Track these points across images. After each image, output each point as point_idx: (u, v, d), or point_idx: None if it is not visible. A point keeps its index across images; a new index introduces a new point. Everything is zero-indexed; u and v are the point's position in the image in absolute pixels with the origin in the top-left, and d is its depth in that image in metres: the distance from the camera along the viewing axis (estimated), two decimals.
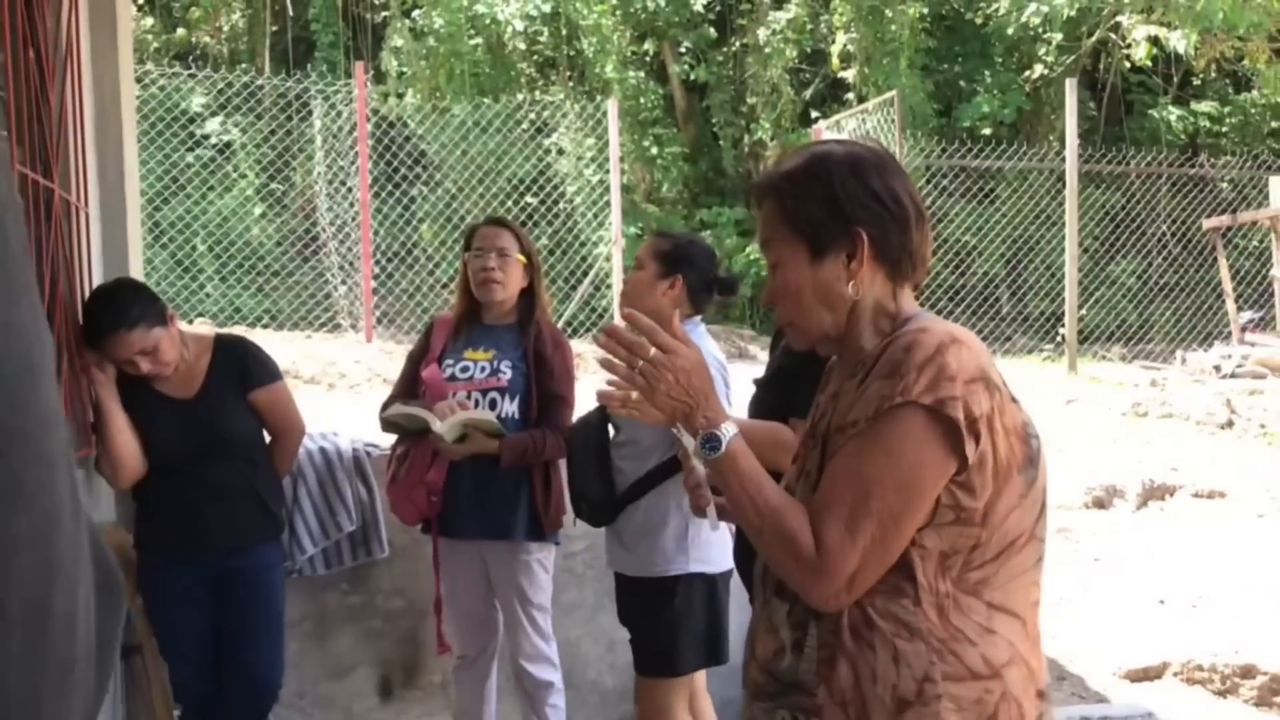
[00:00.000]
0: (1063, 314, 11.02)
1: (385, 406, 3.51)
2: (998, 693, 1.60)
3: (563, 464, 3.46)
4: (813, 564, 1.56)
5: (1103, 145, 13.37)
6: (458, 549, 3.49)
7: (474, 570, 3.51)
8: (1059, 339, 11.53)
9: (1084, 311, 11.79)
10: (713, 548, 3.08)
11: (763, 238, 1.75)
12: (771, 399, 2.69)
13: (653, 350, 1.65)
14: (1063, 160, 11.22)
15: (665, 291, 3.16)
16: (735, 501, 1.63)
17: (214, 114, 12.01)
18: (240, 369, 3.37)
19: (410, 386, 3.54)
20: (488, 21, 13.41)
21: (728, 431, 1.64)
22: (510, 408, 3.41)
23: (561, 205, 12.21)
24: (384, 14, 14.41)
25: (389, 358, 9.19)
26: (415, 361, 3.59)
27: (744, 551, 2.84)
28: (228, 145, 12.06)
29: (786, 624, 1.67)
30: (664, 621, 3.12)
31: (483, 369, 3.45)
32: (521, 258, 3.49)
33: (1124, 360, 11.85)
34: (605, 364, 1.69)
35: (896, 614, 1.58)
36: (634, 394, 2.50)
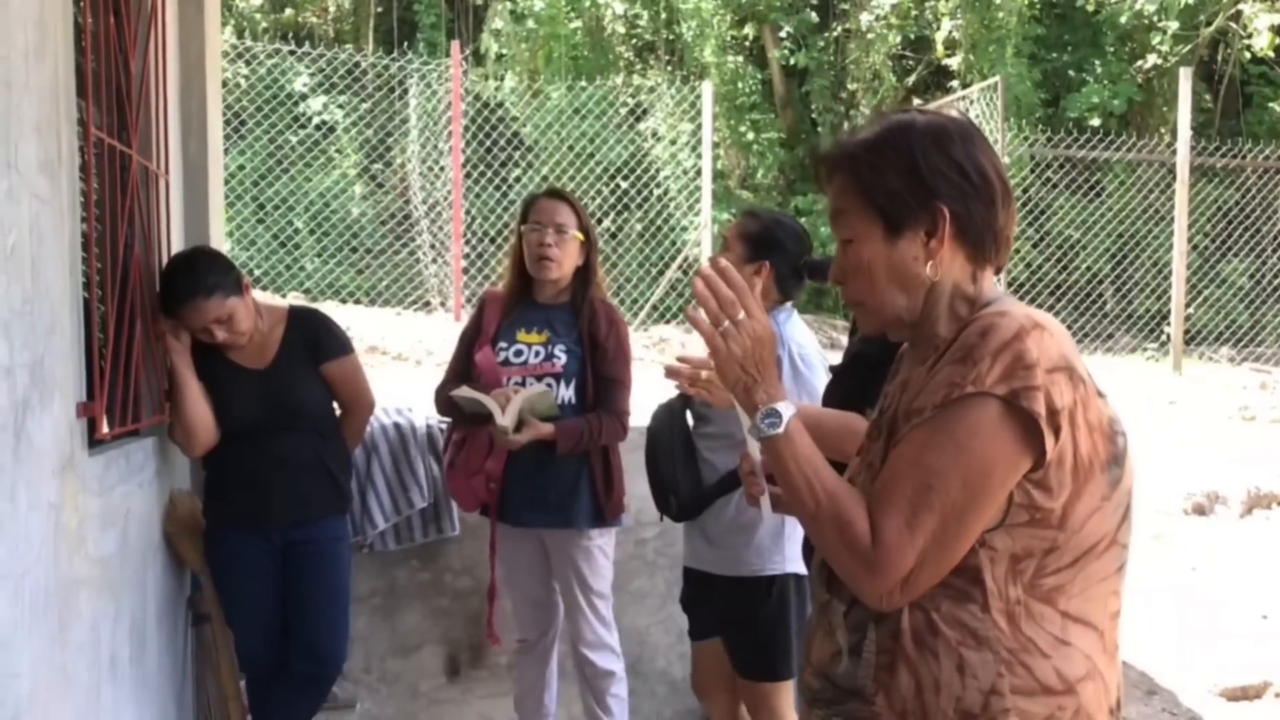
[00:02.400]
0: (1169, 313, 10.63)
1: (439, 393, 3.45)
2: (1070, 709, 1.49)
3: (623, 448, 3.38)
4: (868, 556, 1.46)
5: (1217, 139, 12.86)
6: (517, 535, 3.44)
7: (534, 555, 3.46)
8: (1164, 338, 11.13)
9: (1191, 311, 11.36)
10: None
11: (833, 210, 1.63)
12: (846, 388, 2.56)
13: (740, 313, 1.55)
14: (1174, 153, 10.80)
15: (750, 277, 2.96)
16: (790, 484, 1.53)
17: (317, 94, 12.16)
18: (313, 341, 3.37)
19: (464, 370, 3.47)
20: (588, 4, 13.38)
21: (787, 409, 1.54)
22: (566, 393, 3.34)
23: (654, 190, 12.12)
24: None
25: None
26: (468, 342, 3.53)
27: (810, 550, 2.72)
28: (330, 125, 12.21)
29: (844, 626, 1.57)
30: (763, 623, 3.02)
31: (537, 353, 3.37)
32: (579, 235, 3.40)
33: (1232, 362, 11.40)
34: (691, 315, 1.57)
35: (963, 620, 1.47)
36: (704, 373, 2.43)
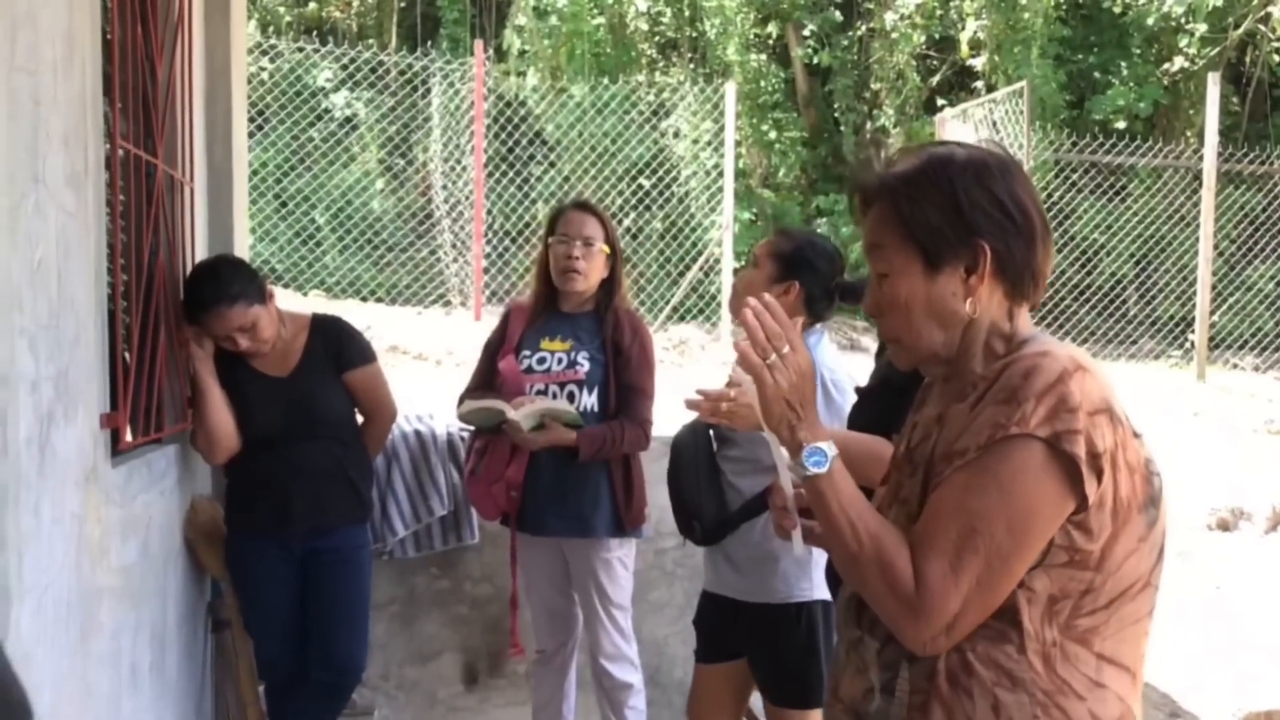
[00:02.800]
0: (1193, 318, 10.54)
1: (462, 399, 3.45)
2: None
3: (644, 458, 3.36)
4: (911, 601, 1.44)
5: (1245, 143, 12.73)
6: (537, 544, 3.43)
7: (554, 565, 3.45)
8: (1188, 345, 11.04)
9: (1216, 318, 11.26)
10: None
11: (870, 243, 1.61)
12: (874, 412, 2.52)
13: (786, 347, 1.54)
14: (1200, 158, 10.70)
15: (779, 297, 2.84)
16: (833, 525, 1.51)
17: (340, 89, 12.18)
18: (335, 349, 3.37)
19: (487, 377, 3.48)
20: (610, 1, 13.34)
21: (831, 448, 1.53)
22: (589, 400, 3.34)
23: (676, 189, 12.10)
24: None
25: None
26: (492, 351, 3.53)
27: (835, 579, 2.69)
28: (352, 120, 12.22)
29: (877, 664, 1.55)
30: (792, 651, 2.98)
31: (560, 360, 3.37)
32: (606, 247, 3.39)
33: (1258, 370, 11.29)
34: (741, 349, 1.55)
35: (999, 661, 1.46)
36: (724, 405, 2.41)
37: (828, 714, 1.68)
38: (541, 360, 3.39)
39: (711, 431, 3.04)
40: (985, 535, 1.42)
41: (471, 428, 3.52)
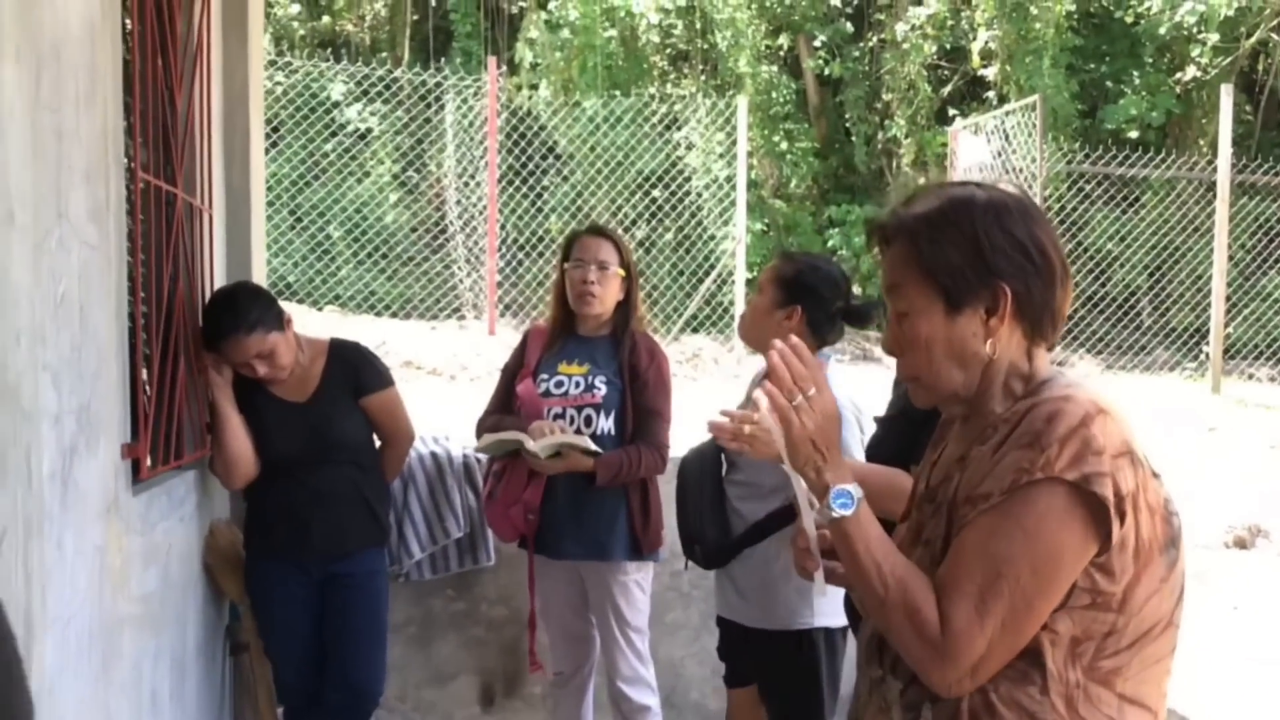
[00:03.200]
0: (1208, 329, 10.50)
1: (481, 423, 3.47)
2: None
3: (662, 482, 3.37)
4: (937, 644, 1.45)
5: (1258, 153, 12.69)
6: (554, 567, 3.45)
7: (571, 587, 3.46)
8: (1202, 356, 11.00)
9: (1231, 329, 11.22)
10: (836, 600, 2.85)
11: (889, 283, 1.61)
12: (893, 444, 2.52)
13: (812, 389, 1.55)
14: (1214, 168, 10.67)
15: (781, 321, 2.91)
16: (859, 568, 1.52)
17: (353, 103, 12.23)
18: (353, 374, 3.38)
19: (505, 401, 3.50)
20: (622, 14, 13.38)
21: (858, 491, 1.53)
22: (605, 424, 3.35)
23: (688, 200, 12.11)
24: (521, 5, 14.50)
25: (511, 349, 9.22)
26: (510, 375, 3.55)
27: (854, 611, 2.68)
28: (366, 134, 12.27)
29: (900, 704, 1.56)
30: (794, 677, 2.99)
31: (577, 384, 3.39)
32: (621, 271, 3.41)
33: (1273, 381, 11.24)
34: (768, 390, 1.55)
35: (1021, 702, 1.47)
36: (746, 428, 2.41)
37: None
38: (559, 384, 3.40)
39: (722, 456, 3.05)
40: (1010, 579, 1.43)
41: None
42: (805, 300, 2.94)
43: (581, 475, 3.29)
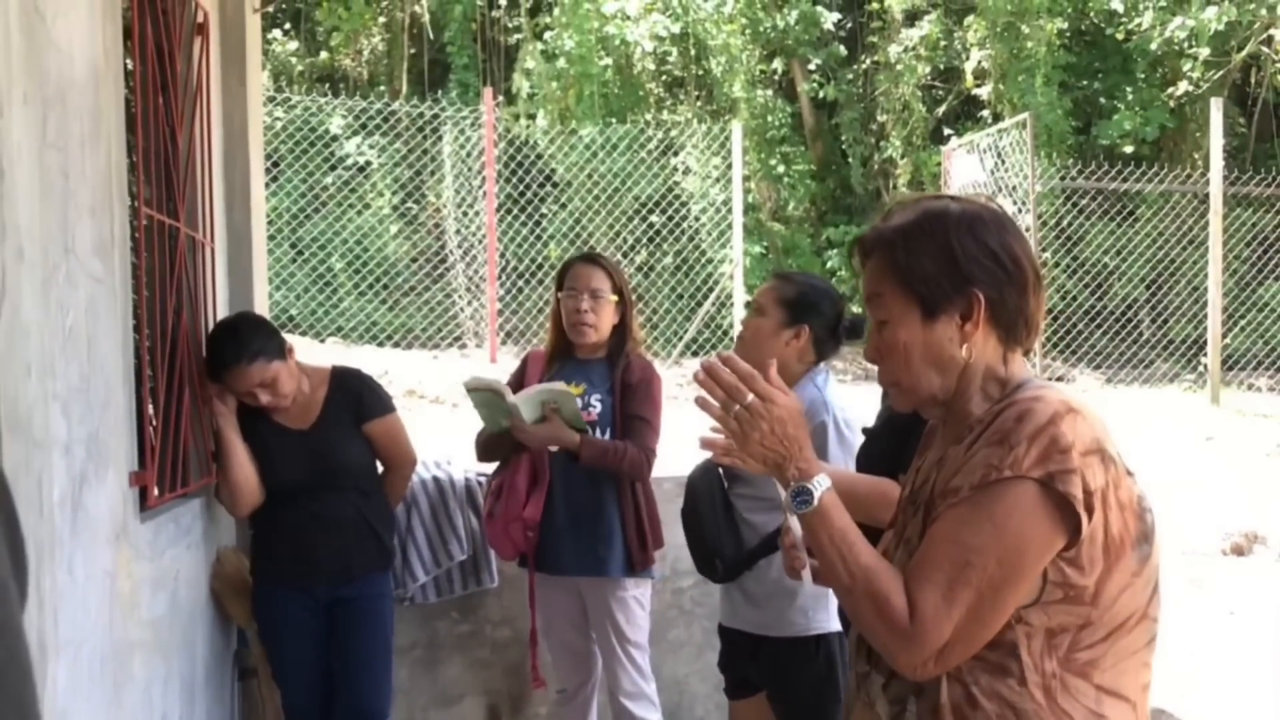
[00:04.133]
0: (1206, 341, 10.54)
1: (478, 441, 3.54)
2: None
3: (659, 497, 3.43)
4: (904, 630, 1.51)
5: (1252, 165, 12.77)
6: (554, 584, 3.50)
7: (571, 604, 3.51)
8: (1202, 367, 11.03)
9: (1229, 339, 11.26)
10: None
11: (869, 292, 1.68)
12: (880, 453, 2.58)
13: (750, 396, 1.62)
14: (1207, 181, 10.75)
15: (789, 342, 2.95)
16: (825, 559, 1.59)
17: (352, 136, 12.35)
18: (355, 401, 3.44)
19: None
20: (617, 43, 13.50)
21: (820, 485, 1.60)
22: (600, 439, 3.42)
23: (686, 224, 12.20)
24: (517, 36, 14.64)
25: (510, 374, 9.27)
26: None
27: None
28: (365, 166, 12.38)
29: (884, 698, 1.62)
30: (809, 683, 3.01)
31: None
32: (614, 297, 3.48)
33: (1273, 390, 11.27)
34: (700, 403, 1.67)
35: (1001, 694, 1.52)
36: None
37: None
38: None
39: (721, 470, 3.09)
40: (978, 568, 1.49)
41: (487, 472, 3.58)
42: (811, 319, 2.99)
43: (579, 491, 3.35)
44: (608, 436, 3.43)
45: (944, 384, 1.64)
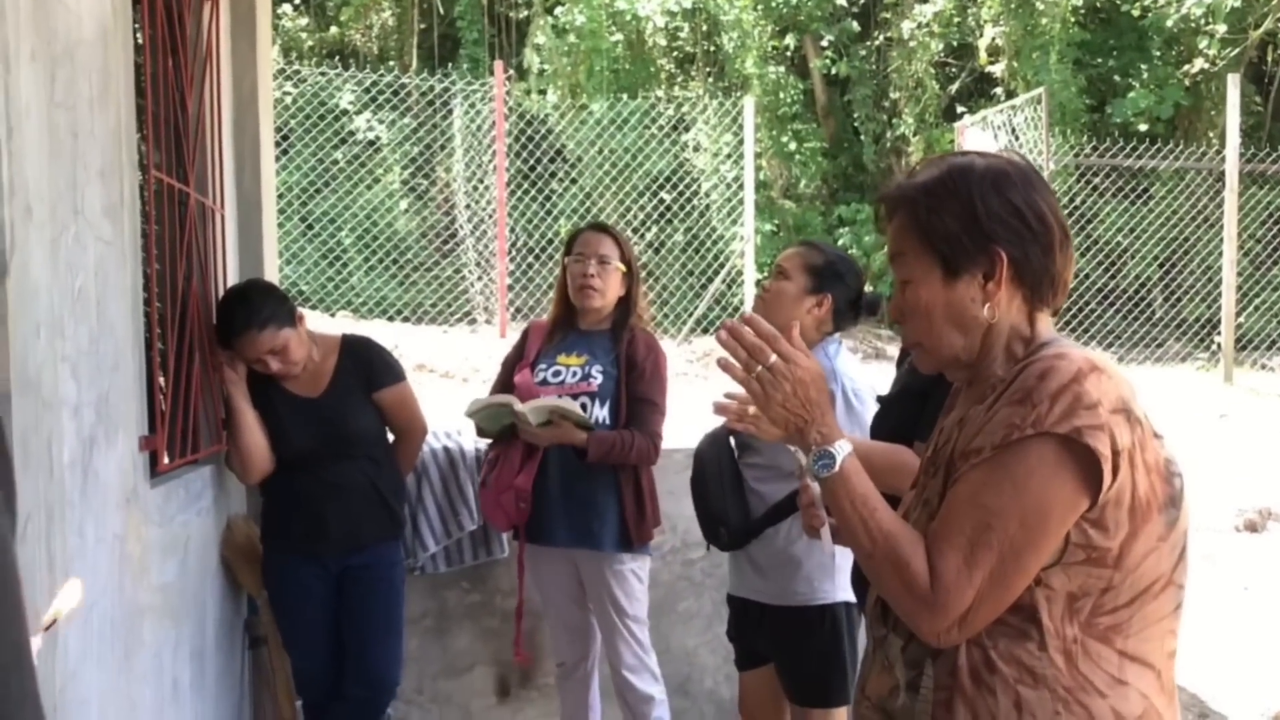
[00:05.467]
0: (1219, 320, 10.48)
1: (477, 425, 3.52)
2: None
3: (668, 470, 3.40)
4: (926, 596, 1.48)
5: (1268, 143, 12.67)
6: (548, 556, 3.47)
7: (566, 577, 3.48)
8: (1214, 347, 10.98)
9: (1243, 318, 11.20)
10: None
11: (892, 251, 1.66)
12: (895, 420, 2.56)
13: (773, 357, 1.60)
14: (1222, 159, 10.66)
15: (811, 309, 2.97)
16: (846, 523, 1.57)
17: (362, 111, 12.32)
18: (366, 369, 3.43)
19: (504, 390, 3.54)
20: (629, 18, 13.44)
21: (842, 449, 1.57)
22: (600, 413, 3.38)
23: (696, 201, 12.16)
24: (527, 11, 14.58)
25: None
26: (510, 366, 3.59)
27: (861, 581, 2.72)
28: (375, 141, 12.35)
29: (901, 661, 1.59)
30: (815, 652, 3.02)
31: (574, 373, 3.42)
32: (621, 266, 3.45)
33: None
34: (722, 364, 1.64)
35: (1020, 658, 1.49)
36: (751, 408, 2.45)
37: (856, 711, 1.71)
38: (556, 373, 3.44)
39: (732, 439, 3.08)
40: (999, 530, 1.46)
41: (487, 440, 3.56)
42: (835, 288, 2.99)
43: (574, 462, 3.33)
44: (607, 409, 3.38)
45: (967, 344, 1.61)
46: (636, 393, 3.39)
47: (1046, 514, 1.46)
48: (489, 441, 3.61)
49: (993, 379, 1.58)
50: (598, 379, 3.40)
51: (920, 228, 1.60)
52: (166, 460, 2.80)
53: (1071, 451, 1.45)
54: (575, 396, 3.37)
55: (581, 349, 3.47)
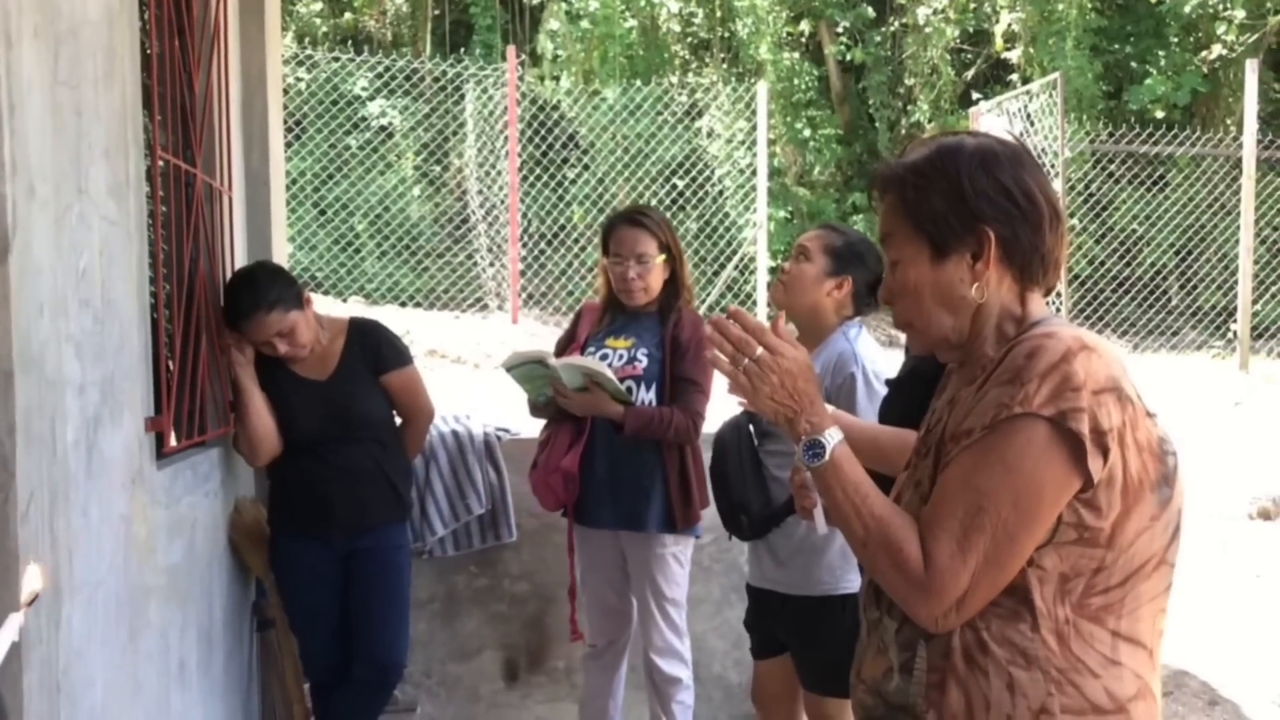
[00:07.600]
0: (1235, 308, 10.42)
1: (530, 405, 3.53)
2: None
3: (703, 454, 3.39)
4: (920, 581, 1.48)
5: None
6: (594, 537, 3.48)
7: (610, 560, 3.49)
8: (1230, 335, 10.91)
9: (1259, 306, 11.12)
10: None
11: (882, 232, 1.66)
12: (903, 404, 2.54)
13: (759, 350, 1.60)
14: (1240, 145, 10.58)
15: (831, 291, 2.97)
16: (839, 511, 1.57)
17: (375, 97, 12.31)
18: (373, 352, 3.43)
19: None
20: (643, 3, 13.40)
21: (832, 438, 1.58)
22: (646, 396, 3.39)
23: (710, 188, 12.13)
24: None
25: (534, 339, 9.29)
26: (562, 348, 3.61)
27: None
28: (388, 127, 12.35)
29: (895, 644, 1.59)
30: (834, 641, 2.95)
31: (620, 356, 3.43)
32: (661, 256, 3.43)
33: None
34: (711, 359, 1.66)
35: (1013, 639, 1.49)
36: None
37: (852, 694, 1.72)
38: (604, 356, 3.44)
39: (752, 426, 3.07)
40: (992, 513, 1.45)
41: (539, 421, 3.56)
42: (855, 271, 2.99)
43: (620, 444, 3.33)
44: (653, 392, 3.39)
45: (957, 325, 1.60)
46: (679, 372, 3.39)
47: (1039, 494, 1.45)
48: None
49: (984, 359, 1.57)
50: (643, 362, 3.41)
51: (908, 208, 1.60)
52: (173, 442, 2.80)
53: (1060, 433, 1.44)
54: (621, 380, 3.37)
55: (629, 332, 3.48)
